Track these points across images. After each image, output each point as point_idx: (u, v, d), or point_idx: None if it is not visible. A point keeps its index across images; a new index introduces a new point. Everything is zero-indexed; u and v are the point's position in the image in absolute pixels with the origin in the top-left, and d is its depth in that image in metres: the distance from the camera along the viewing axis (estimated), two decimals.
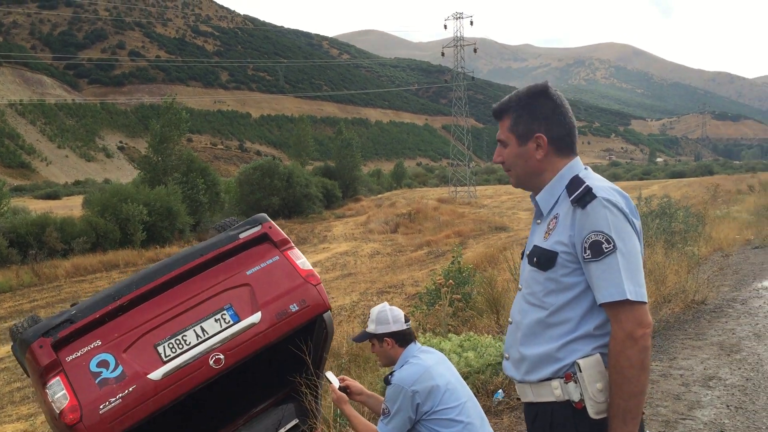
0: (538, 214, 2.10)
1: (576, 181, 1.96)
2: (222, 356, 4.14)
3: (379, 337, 3.33)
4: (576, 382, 1.84)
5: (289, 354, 4.94)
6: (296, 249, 4.78)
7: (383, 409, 3.13)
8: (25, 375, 5.14)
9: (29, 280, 25.16)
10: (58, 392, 3.84)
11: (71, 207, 46.68)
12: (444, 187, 77.69)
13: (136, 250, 31.37)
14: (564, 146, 2.07)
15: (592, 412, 1.81)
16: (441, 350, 5.25)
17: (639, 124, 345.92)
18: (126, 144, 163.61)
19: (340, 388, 3.48)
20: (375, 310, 3.38)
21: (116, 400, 3.87)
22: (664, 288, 8.44)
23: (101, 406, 3.84)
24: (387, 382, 3.19)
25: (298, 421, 5.06)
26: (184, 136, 42.19)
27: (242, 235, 4.64)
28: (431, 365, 3.16)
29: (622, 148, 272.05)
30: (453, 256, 9.35)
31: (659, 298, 8.18)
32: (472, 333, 5.79)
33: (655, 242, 10.74)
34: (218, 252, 4.50)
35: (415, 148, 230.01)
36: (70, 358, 3.96)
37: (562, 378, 1.87)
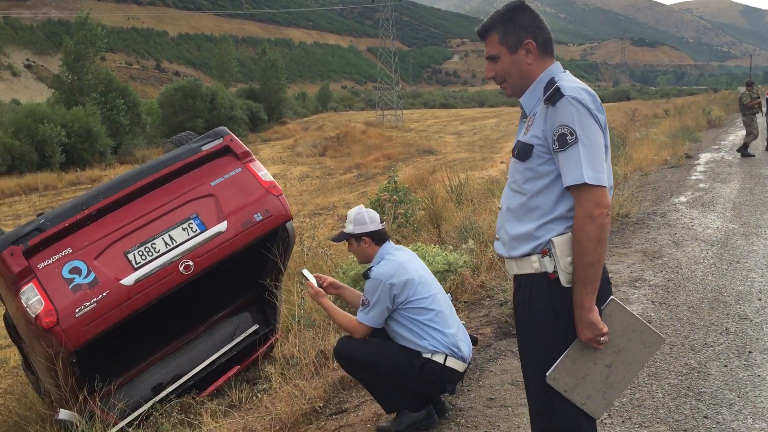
0: (523, 115, 2.40)
1: (550, 83, 2.24)
2: (191, 263, 4.42)
3: (357, 237, 3.58)
4: (550, 257, 2.19)
5: (248, 263, 5.24)
6: (257, 161, 5.01)
7: (363, 300, 3.46)
8: None
9: None
10: (32, 297, 4.05)
11: None
12: (370, 111, 77.33)
13: (55, 173, 30.44)
14: (549, 50, 2.35)
15: (563, 281, 2.16)
16: None
17: (561, 49, 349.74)
18: (33, 62, 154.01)
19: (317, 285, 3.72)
20: (352, 212, 3.62)
21: (91, 304, 4.12)
22: None
23: (77, 310, 4.09)
24: (366, 276, 3.48)
25: (257, 326, 5.42)
26: (99, 55, 40.32)
27: (204, 148, 4.84)
28: (405, 261, 3.50)
29: None
30: (390, 176, 9.69)
31: None
32: (420, 243, 6.21)
33: None
34: (182, 164, 4.70)
35: (340, 70, 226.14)
36: (42, 265, 4.16)
37: (539, 253, 2.21)
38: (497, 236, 2.43)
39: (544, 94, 2.23)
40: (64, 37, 41.76)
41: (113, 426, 4.51)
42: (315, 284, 3.65)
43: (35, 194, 27.48)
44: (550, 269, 2.21)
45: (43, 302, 4.06)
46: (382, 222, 3.65)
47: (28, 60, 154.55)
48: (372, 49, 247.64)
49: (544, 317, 2.23)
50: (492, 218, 8.01)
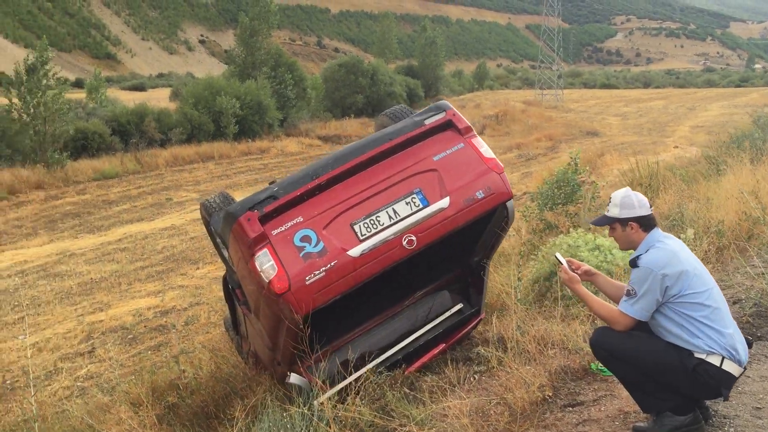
0: None
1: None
2: (414, 238, 4.36)
3: (623, 222, 3.32)
4: None
5: (456, 240, 5.11)
6: (479, 137, 4.86)
7: (629, 290, 3.20)
8: (216, 247, 5.53)
9: (133, 167, 26.35)
10: (266, 263, 4.13)
11: (158, 99, 47.79)
12: (527, 90, 75.55)
13: (228, 143, 32.24)
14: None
15: None
16: (597, 246, 5.35)
17: (738, 27, 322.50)
18: (207, 37, 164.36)
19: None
20: (618, 195, 3.36)
21: (320, 272, 4.15)
22: None
23: (307, 278, 4.13)
24: (633, 264, 3.24)
25: (462, 305, 5.30)
26: (272, 30, 42.04)
27: (428, 121, 4.74)
28: (678, 250, 3.20)
29: (717, 52, 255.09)
30: (571, 156, 9.25)
31: None
32: None
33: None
34: (405, 137, 4.64)
35: (497, 48, 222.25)
36: (276, 231, 4.24)
37: None
38: None
39: None
40: (240, 14, 43.84)
41: (323, 393, 4.57)
42: (568, 269, 3.42)
43: (211, 162, 29.26)
44: None
45: (276, 268, 4.13)
46: (650, 206, 3.34)
47: (202, 35, 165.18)
48: (531, 27, 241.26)
49: None
50: (697, 206, 7.40)
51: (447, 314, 5.29)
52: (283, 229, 4.27)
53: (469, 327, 5.25)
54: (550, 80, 65.50)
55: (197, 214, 19.04)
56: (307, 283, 4.15)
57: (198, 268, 13.94)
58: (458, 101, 62.91)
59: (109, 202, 21.24)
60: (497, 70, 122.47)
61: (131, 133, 29.33)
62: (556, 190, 8.47)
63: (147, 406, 5.93)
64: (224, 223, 4.52)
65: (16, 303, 12.19)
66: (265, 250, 4.18)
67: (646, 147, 26.58)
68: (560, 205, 8.31)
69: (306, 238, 4.26)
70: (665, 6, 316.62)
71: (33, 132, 24.03)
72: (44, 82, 23.78)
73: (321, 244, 4.24)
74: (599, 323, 4.01)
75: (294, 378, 4.28)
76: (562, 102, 58.72)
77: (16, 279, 13.61)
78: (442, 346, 5.09)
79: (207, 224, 5.42)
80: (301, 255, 4.20)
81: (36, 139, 24.04)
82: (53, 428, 6.10)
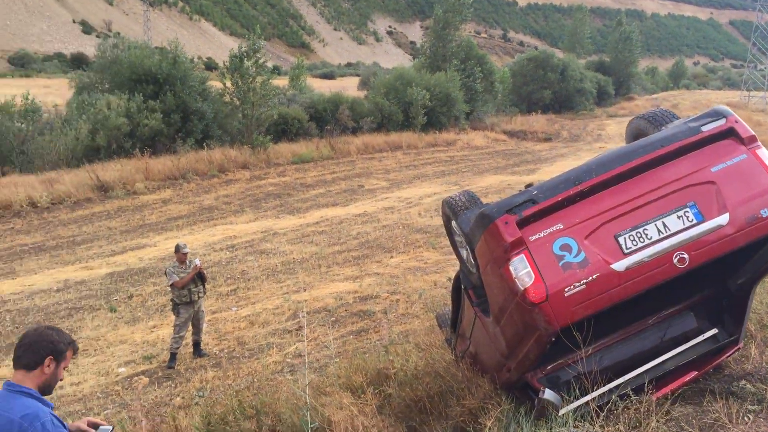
0: None
1: None
2: (686, 256, 4.00)
3: None
4: None
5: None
6: (764, 148, 4.38)
7: None
8: (452, 245, 5.48)
9: (327, 153, 27.47)
10: (522, 270, 3.95)
11: (346, 87, 49.55)
12: (729, 91, 69.67)
13: (416, 134, 32.70)
14: None
15: None
16: None
17: None
18: (394, 29, 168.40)
19: None
20: None
21: (580, 285, 3.91)
22: None
23: (566, 289, 3.91)
24: None
25: (717, 331, 4.84)
26: (464, 23, 42.04)
27: (705, 128, 4.34)
28: None
29: None
30: None
31: None
32: None
33: None
34: (679, 145, 4.28)
35: (694, 45, 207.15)
36: (534, 237, 4.05)
37: None
38: None
39: None
40: (435, 5, 44.23)
41: (565, 407, 4.33)
42: None
43: (399, 151, 29.82)
44: None
45: (533, 276, 3.94)
46: None
47: (390, 27, 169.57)
48: (735, 23, 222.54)
49: None
50: None
51: (700, 339, 4.84)
52: (541, 235, 4.08)
53: (724, 356, 4.78)
54: (759, 81, 59.86)
55: (388, 203, 19.48)
56: (566, 295, 3.93)
57: (392, 257, 14.20)
58: (650, 100, 59.50)
59: (306, 186, 22.30)
60: (695, 69, 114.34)
61: (326, 119, 30.62)
62: None
63: (368, 394, 6.03)
64: (476, 224, 4.40)
65: (229, 275, 13.10)
66: (522, 256, 4.01)
67: None
68: None
69: (566, 247, 4.03)
70: None
71: (242, 115, 25.83)
72: (254, 69, 25.40)
73: (582, 255, 4.00)
74: None
75: (548, 394, 4.08)
76: None
77: (227, 253, 14.65)
78: (693, 374, 4.67)
79: (448, 221, 5.34)
80: (560, 264, 3.98)
81: (244, 122, 25.81)
82: (276, 402, 6.35)
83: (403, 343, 8.31)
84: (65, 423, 2.95)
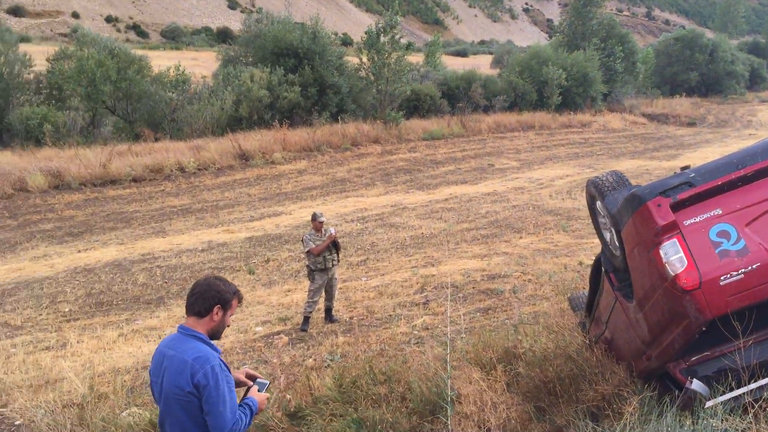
0: None
1: None
2: None
3: None
4: None
5: None
6: None
7: None
8: (595, 226, 5.36)
9: (458, 130, 27.39)
10: (673, 255, 3.80)
11: (479, 65, 48.87)
12: None
13: (549, 114, 31.93)
14: None
15: None
16: None
17: None
18: (531, 6, 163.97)
19: None
20: None
21: (738, 274, 3.72)
22: None
23: (721, 278, 3.74)
24: None
25: None
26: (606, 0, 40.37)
27: None
28: None
29: None
30: None
31: None
32: None
33: None
34: None
35: None
36: (688, 222, 3.88)
37: None
38: None
39: None
40: None
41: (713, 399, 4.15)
42: None
43: (531, 132, 29.24)
44: None
45: (686, 262, 3.79)
46: None
47: (526, 4, 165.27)
48: None
49: None
50: None
51: None
52: (697, 219, 3.90)
53: None
54: None
55: (518, 183, 19.21)
56: (721, 283, 3.75)
57: (521, 237, 14.03)
58: None
59: (436, 162, 22.40)
60: None
61: (458, 97, 30.49)
62: None
63: (497, 370, 6.04)
64: (625, 205, 4.27)
65: (359, 246, 13.46)
66: (675, 240, 3.85)
67: None
68: None
69: (724, 234, 3.84)
70: None
71: (376, 90, 26.23)
72: (390, 45, 25.66)
73: (742, 242, 3.80)
74: None
75: (696, 385, 3.94)
76: None
77: (358, 225, 15.04)
78: None
79: (592, 201, 5.22)
80: (716, 251, 3.80)
81: (377, 97, 26.22)
82: (407, 371, 6.50)
83: (533, 324, 8.23)
84: (230, 368, 3.20)
